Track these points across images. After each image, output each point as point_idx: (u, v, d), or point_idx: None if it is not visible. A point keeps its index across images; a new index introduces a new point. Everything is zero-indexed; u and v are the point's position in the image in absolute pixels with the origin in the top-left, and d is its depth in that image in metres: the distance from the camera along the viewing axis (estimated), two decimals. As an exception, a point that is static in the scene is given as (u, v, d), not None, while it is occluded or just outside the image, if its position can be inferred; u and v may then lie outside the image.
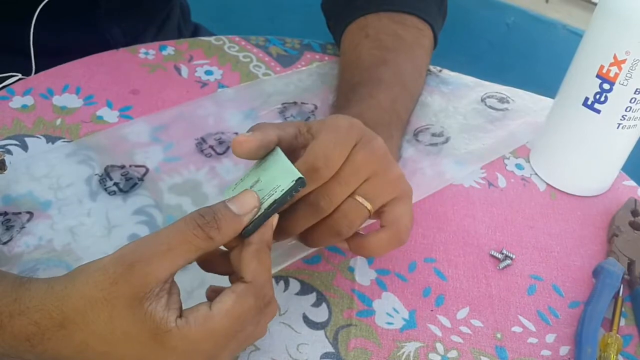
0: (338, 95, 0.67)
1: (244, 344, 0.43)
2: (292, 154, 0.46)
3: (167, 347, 0.38)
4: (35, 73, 0.70)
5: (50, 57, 0.71)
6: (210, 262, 0.45)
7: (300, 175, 0.42)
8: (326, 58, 0.78)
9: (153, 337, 0.38)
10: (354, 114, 0.51)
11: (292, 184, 0.42)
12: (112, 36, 0.80)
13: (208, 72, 0.74)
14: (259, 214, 0.42)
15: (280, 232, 0.46)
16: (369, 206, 0.47)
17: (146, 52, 0.75)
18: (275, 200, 0.42)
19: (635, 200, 0.63)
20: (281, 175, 0.43)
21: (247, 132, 0.45)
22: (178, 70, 0.73)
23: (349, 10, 0.73)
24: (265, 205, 0.43)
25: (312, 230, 0.47)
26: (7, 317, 0.39)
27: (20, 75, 0.68)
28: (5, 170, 0.55)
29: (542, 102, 0.76)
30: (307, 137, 0.47)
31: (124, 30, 0.81)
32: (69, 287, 0.39)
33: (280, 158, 0.45)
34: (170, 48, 0.76)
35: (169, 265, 0.39)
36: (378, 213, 0.48)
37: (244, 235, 0.42)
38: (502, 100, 0.76)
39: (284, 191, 0.42)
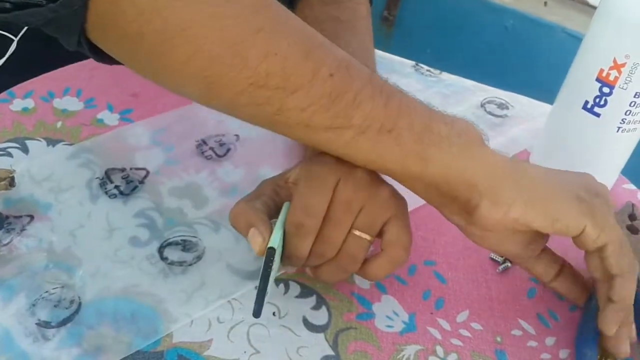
0: None
1: None
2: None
3: None
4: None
5: (37, 41, 0.71)
6: None
7: (270, 246, 0.44)
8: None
9: None
10: None
11: (264, 258, 0.44)
12: None
13: (208, 75, 0.73)
14: (257, 289, 0.45)
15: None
16: (368, 237, 0.47)
17: (146, 54, 0.75)
18: (260, 278, 0.45)
19: (633, 205, 0.63)
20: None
21: (253, 237, 0.46)
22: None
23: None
24: (260, 276, 0.45)
25: (321, 270, 0.49)
26: None
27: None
28: (14, 186, 0.56)
29: (542, 108, 0.76)
30: (290, 187, 0.49)
31: None
32: None
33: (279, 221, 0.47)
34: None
35: None
36: (379, 234, 0.49)
37: (255, 315, 0.46)
38: (501, 106, 0.76)
39: (261, 267, 0.45)
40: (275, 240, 0.45)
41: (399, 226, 0.48)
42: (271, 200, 0.49)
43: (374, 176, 0.48)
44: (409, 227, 0.49)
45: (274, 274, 0.46)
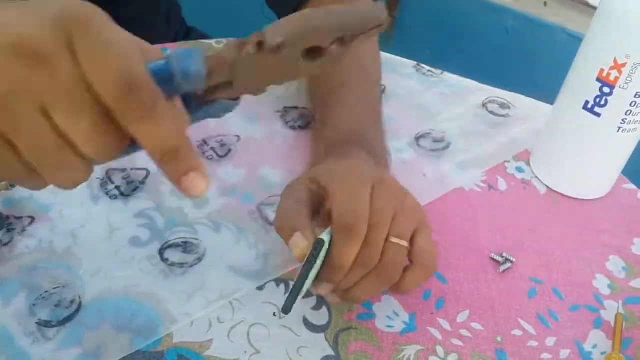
0: (315, 110, 0.68)
1: None
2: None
3: None
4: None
5: None
6: None
7: (319, 237, 0.44)
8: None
9: None
10: (334, 126, 0.56)
11: (308, 255, 0.45)
12: None
13: (208, 75, 0.73)
14: (290, 290, 0.45)
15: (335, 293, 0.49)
16: (405, 244, 0.47)
17: (147, 55, 0.75)
18: (303, 265, 0.44)
19: None
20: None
21: (297, 240, 0.46)
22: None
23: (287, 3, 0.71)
24: (300, 274, 0.45)
25: (361, 285, 0.48)
26: None
27: None
28: (15, 187, 0.56)
29: (543, 108, 0.76)
30: (321, 190, 0.49)
31: None
32: None
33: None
34: (170, 51, 0.76)
35: None
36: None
37: (284, 311, 0.44)
38: (503, 105, 0.76)
39: (306, 257, 0.44)
40: (326, 235, 0.45)
41: (427, 234, 0.48)
42: (310, 204, 0.49)
43: (400, 184, 0.49)
44: (431, 237, 0.49)
45: (313, 274, 0.45)
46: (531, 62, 1.23)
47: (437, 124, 0.72)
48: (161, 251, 0.54)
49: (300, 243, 0.46)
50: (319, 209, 0.50)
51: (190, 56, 0.35)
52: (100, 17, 0.33)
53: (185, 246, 0.55)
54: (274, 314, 0.51)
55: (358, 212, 0.46)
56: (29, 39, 0.31)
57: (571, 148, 0.63)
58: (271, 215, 0.58)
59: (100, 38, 0.32)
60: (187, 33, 0.99)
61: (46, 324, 0.48)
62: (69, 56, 0.31)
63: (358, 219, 0.45)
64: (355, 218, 0.45)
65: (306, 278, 0.44)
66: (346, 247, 0.45)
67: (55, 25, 0.31)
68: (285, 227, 0.48)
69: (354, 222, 0.45)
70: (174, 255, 0.54)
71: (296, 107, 0.71)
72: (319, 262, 0.45)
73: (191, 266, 0.53)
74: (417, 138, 0.70)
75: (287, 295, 0.45)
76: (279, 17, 0.76)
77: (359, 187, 0.47)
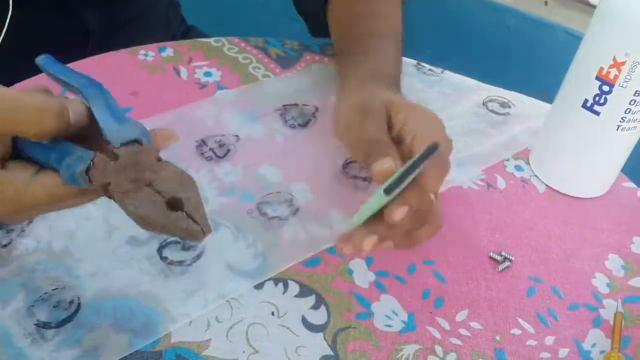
0: (341, 37, 0.70)
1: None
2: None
3: None
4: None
5: (28, 38, 0.71)
6: None
7: (434, 143, 0.44)
8: (326, 59, 0.79)
9: None
10: (372, 69, 0.59)
11: (426, 149, 0.44)
12: (89, 22, 0.80)
13: (207, 74, 0.74)
14: (399, 173, 0.44)
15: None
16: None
17: (145, 53, 0.75)
18: (414, 161, 0.43)
19: None
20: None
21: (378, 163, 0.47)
22: (177, 71, 0.73)
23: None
24: (402, 169, 0.44)
25: (425, 229, 0.49)
26: None
27: None
28: None
29: (543, 108, 0.76)
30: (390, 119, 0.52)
31: (100, 17, 0.81)
32: None
33: None
34: (169, 49, 0.76)
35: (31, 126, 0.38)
36: None
37: (388, 191, 0.44)
38: (503, 104, 0.76)
39: (417, 155, 0.44)
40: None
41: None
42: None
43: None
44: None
45: (408, 181, 0.44)
46: (532, 62, 1.23)
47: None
48: (160, 249, 0.54)
49: (388, 164, 0.46)
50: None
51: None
52: None
53: (184, 243, 0.55)
54: (273, 314, 0.51)
55: (450, 146, 0.49)
56: None
57: (570, 146, 0.63)
58: (270, 213, 0.58)
59: None
60: (186, 32, 0.99)
61: (45, 325, 0.48)
62: None
63: (449, 153, 0.49)
64: (449, 149, 0.49)
65: (413, 172, 0.44)
66: (441, 174, 0.47)
67: None
68: (373, 151, 0.48)
69: (447, 153, 0.49)
70: (172, 254, 0.54)
71: (296, 105, 0.71)
72: (412, 176, 0.44)
73: (190, 264, 0.53)
74: None
75: (392, 180, 0.44)
76: (305, 19, 0.78)
77: (443, 125, 0.51)
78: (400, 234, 0.47)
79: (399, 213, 0.45)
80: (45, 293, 0.50)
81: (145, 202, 0.38)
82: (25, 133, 0.38)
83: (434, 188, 0.46)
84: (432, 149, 0.43)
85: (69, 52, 0.74)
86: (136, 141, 0.40)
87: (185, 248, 0.54)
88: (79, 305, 0.49)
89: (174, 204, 0.39)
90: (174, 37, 0.95)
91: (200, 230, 0.38)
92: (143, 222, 0.39)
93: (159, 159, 0.40)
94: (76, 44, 0.80)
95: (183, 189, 0.39)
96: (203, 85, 0.72)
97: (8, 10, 0.69)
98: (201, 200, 0.39)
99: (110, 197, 0.40)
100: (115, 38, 0.79)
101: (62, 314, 0.49)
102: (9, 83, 0.45)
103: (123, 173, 0.39)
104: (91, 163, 0.38)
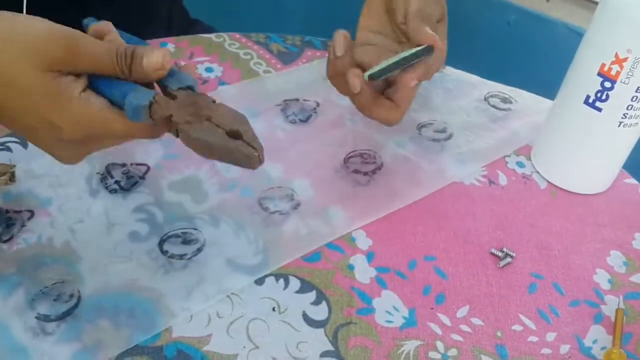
0: None
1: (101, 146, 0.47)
2: None
3: (64, 111, 0.42)
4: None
5: None
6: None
7: (429, 45, 0.52)
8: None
9: (53, 98, 0.42)
10: None
11: (420, 48, 0.52)
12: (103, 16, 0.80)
13: (208, 69, 0.73)
14: (388, 63, 0.51)
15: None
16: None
17: (147, 49, 0.74)
18: (404, 57, 0.52)
19: None
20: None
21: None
22: (178, 67, 0.73)
23: None
24: (395, 59, 0.52)
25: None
26: None
27: None
28: (14, 182, 0.55)
29: (544, 104, 0.76)
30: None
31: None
32: None
33: None
34: (170, 45, 0.76)
35: (95, 63, 0.42)
36: None
37: (372, 77, 0.51)
38: (505, 100, 0.76)
39: (411, 52, 0.52)
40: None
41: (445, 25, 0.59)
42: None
43: None
44: None
45: (395, 72, 0.52)
46: (533, 57, 1.22)
47: (439, 117, 0.72)
48: (160, 243, 0.54)
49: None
50: None
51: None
52: None
53: (185, 237, 0.55)
54: (274, 309, 0.51)
55: (444, 50, 0.57)
56: None
57: (572, 142, 0.63)
58: (271, 207, 0.58)
59: None
60: (191, 25, 0.99)
61: (45, 318, 0.48)
62: None
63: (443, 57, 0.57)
64: (443, 52, 0.56)
65: (399, 65, 0.52)
66: (430, 70, 0.54)
67: None
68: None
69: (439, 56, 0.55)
70: (173, 247, 0.54)
71: (297, 100, 0.71)
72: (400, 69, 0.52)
73: (190, 258, 0.53)
74: (419, 127, 0.70)
75: (380, 67, 0.52)
76: None
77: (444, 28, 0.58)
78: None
79: (412, 80, 0.53)
80: (46, 287, 0.50)
81: (208, 131, 0.42)
82: (87, 69, 0.42)
83: (420, 78, 0.54)
84: (427, 51, 0.52)
85: None
86: (189, 87, 0.44)
87: (186, 242, 0.54)
88: (79, 298, 0.49)
89: (234, 135, 0.42)
90: (177, 32, 0.95)
91: (257, 157, 0.42)
92: (206, 148, 0.43)
93: (214, 101, 0.44)
94: None
95: (239, 123, 0.43)
96: (204, 81, 0.72)
97: (23, 6, 0.69)
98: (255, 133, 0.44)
99: (169, 131, 0.44)
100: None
101: (63, 307, 0.49)
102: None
103: (184, 109, 0.43)
104: (153, 99, 0.42)
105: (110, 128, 0.43)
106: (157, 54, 0.43)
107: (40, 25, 0.41)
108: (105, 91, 0.43)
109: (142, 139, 0.46)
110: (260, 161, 0.43)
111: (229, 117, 0.43)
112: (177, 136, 0.43)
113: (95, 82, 0.43)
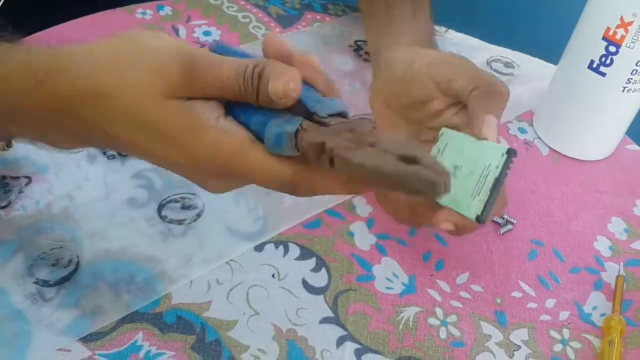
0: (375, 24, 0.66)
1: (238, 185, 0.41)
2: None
3: (200, 141, 0.36)
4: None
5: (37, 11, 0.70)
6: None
7: (509, 147, 0.44)
8: (327, 18, 0.77)
9: (188, 127, 0.36)
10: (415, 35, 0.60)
11: (505, 157, 0.44)
12: None
13: (206, 33, 0.72)
14: (486, 198, 0.44)
15: None
16: None
17: (143, 12, 0.73)
18: (496, 178, 0.44)
19: None
20: (483, 154, 0.45)
21: None
22: (176, 30, 0.72)
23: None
24: (489, 186, 0.44)
25: None
26: (43, 73, 0.38)
27: None
28: (11, 147, 0.55)
29: (548, 69, 0.74)
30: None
31: None
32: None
33: (461, 138, 0.47)
34: (167, 8, 0.75)
35: (219, 86, 0.36)
36: None
37: (480, 221, 0.44)
38: (507, 64, 0.75)
39: (499, 167, 0.44)
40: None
41: None
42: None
43: None
44: None
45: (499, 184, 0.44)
46: (537, 21, 1.21)
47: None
48: (159, 208, 0.54)
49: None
50: None
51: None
52: None
53: (184, 202, 0.54)
54: (273, 276, 0.51)
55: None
56: None
57: (575, 108, 0.62)
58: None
59: None
60: None
61: (44, 284, 0.48)
62: None
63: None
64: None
65: (499, 187, 0.44)
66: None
67: None
68: None
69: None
70: (172, 213, 0.53)
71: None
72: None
73: (189, 223, 0.53)
74: None
75: (484, 205, 0.44)
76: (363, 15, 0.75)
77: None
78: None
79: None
80: (45, 253, 0.50)
81: (373, 155, 0.34)
82: (212, 94, 0.36)
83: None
84: (510, 154, 0.44)
85: (79, 9, 0.72)
86: (341, 114, 0.37)
87: (185, 207, 0.54)
88: (77, 264, 0.49)
89: (408, 160, 0.33)
90: None
91: (443, 184, 0.33)
92: (373, 176, 0.34)
93: (375, 127, 0.36)
94: (85, 1, 0.79)
95: (413, 148, 0.34)
96: (202, 45, 0.71)
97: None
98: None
99: (319, 162, 0.35)
100: None
101: (62, 272, 0.48)
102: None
103: (340, 135, 0.35)
104: (300, 126, 0.35)
105: (254, 171, 0.36)
106: (282, 82, 0.34)
107: (160, 45, 0.36)
108: (238, 116, 0.37)
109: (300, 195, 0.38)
110: (447, 189, 0.33)
111: (398, 142, 0.34)
112: (331, 165, 0.34)
113: (232, 107, 0.37)
